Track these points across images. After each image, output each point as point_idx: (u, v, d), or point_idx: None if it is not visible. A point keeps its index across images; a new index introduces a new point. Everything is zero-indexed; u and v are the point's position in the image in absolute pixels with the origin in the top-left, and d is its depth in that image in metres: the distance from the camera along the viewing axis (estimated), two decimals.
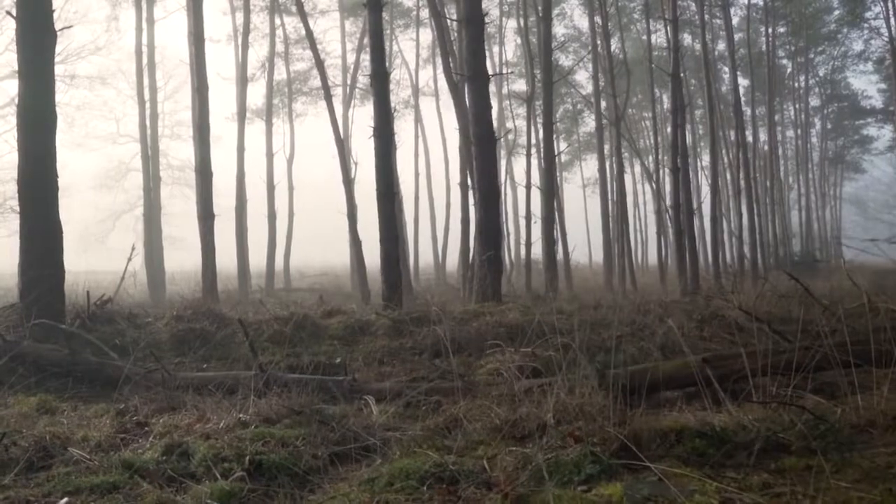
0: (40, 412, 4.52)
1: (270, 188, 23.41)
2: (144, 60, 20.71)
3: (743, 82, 32.63)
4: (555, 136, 24.12)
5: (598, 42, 25.53)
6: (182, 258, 27.35)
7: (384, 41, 9.68)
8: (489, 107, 10.56)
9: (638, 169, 40.61)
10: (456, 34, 18.28)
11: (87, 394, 5.50)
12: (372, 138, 9.26)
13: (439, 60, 35.17)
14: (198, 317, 8.02)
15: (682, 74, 21.10)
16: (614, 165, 24.96)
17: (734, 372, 4.90)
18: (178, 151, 35.82)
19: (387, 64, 10.15)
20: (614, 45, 26.16)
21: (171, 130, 34.14)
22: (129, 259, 11.30)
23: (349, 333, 7.86)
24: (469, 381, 5.97)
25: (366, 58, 31.36)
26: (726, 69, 37.78)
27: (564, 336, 7.31)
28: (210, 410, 3.99)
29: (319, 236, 37.98)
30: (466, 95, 10.50)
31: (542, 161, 19.12)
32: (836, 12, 37.89)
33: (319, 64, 16.65)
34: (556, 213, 21.12)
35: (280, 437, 3.31)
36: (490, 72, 12.66)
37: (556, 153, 18.62)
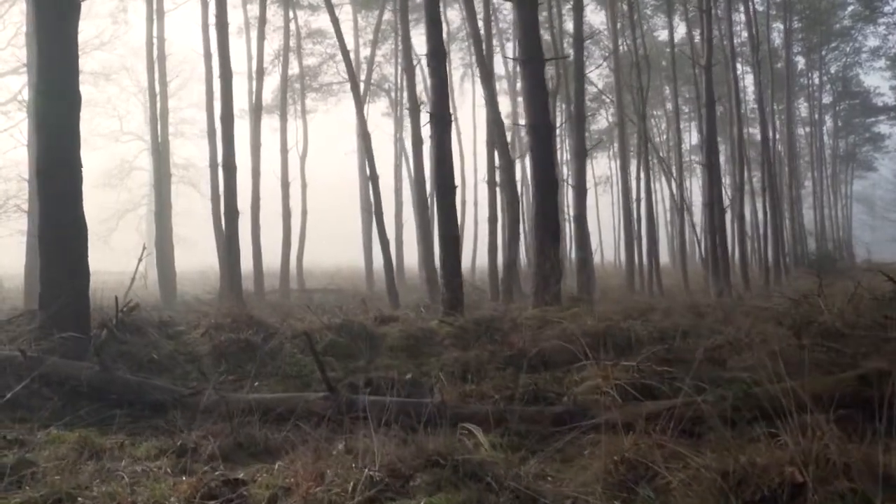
0: (83, 455, 3.57)
1: (285, 185, 22.41)
2: (154, 53, 19.74)
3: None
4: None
5: (619, 35, 24.64)
6: (187, 258, 26.39)
7: (440, 16, 8.78)
8: (546, 92, 9.67)
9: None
10: (483, 21, 17.43)
11: (130, 423, 4.57)
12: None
13: (452, 56, 34.57)
14: (239, 325, 7.08)
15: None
16: (641, 162, 23.98)
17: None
18: (181, 149, 34.89)
19: (444, 41, 9.19)
20: (632, 39, 25.27)
21: (176, 128, 33.18)
22: (141, 259, 10.59)
23: (411, 344, 6.93)
24: (577, 401, 5.15)
25: (378, 53, 30.51)
26: (738, 66, 37.04)
27: (662, 344, 6.50)
28: (312, 456, 3.06)
29: (329, 236, 37.08)
30: (521, 80, 9.60)
31: (573, 157, 18.22)
32: (851, 7, 37.24)
33: (345, 53, 15.67)
34: None
35: None
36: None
37: (587, 149, 17.70)
